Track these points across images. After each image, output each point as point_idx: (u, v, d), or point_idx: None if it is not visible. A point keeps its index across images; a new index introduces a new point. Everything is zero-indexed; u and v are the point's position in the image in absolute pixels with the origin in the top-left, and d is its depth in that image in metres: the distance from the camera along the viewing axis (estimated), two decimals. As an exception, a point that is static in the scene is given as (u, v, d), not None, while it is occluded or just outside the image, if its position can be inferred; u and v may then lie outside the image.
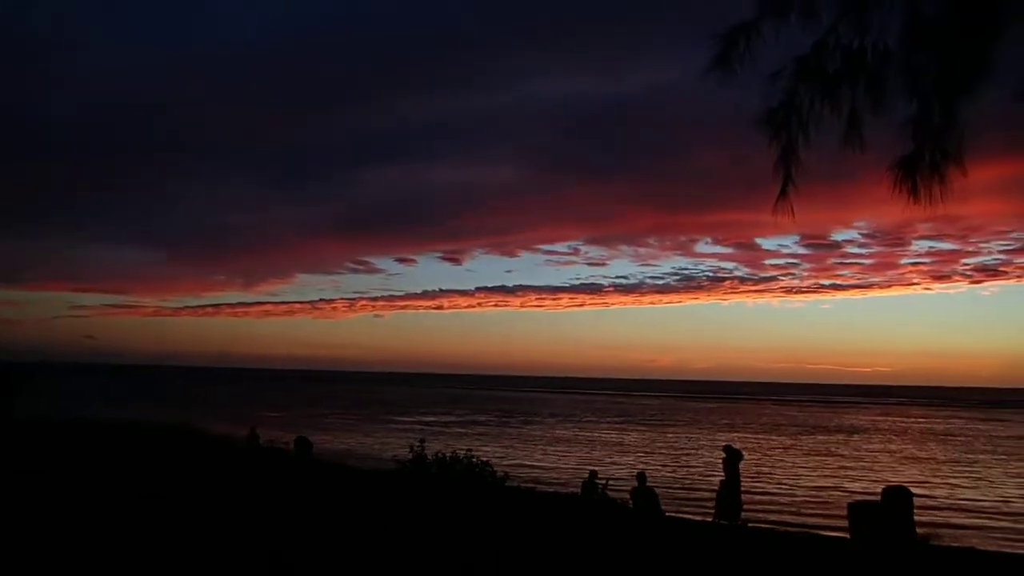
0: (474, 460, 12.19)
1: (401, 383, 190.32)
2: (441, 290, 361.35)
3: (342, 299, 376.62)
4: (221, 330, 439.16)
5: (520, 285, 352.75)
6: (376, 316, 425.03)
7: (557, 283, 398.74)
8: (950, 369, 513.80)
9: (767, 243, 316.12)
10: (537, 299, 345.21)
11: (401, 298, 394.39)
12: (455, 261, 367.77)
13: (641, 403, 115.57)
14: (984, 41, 7.47)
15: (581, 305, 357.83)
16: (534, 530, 9.81)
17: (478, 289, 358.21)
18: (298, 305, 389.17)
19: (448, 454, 12.29)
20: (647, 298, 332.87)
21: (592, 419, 72.09)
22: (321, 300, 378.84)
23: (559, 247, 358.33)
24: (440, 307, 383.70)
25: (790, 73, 8.35)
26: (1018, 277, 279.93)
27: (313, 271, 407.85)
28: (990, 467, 39.27)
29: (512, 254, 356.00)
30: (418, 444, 12.56)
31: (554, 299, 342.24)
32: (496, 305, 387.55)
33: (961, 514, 24.98)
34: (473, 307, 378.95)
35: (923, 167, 7.73)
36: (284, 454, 18.99)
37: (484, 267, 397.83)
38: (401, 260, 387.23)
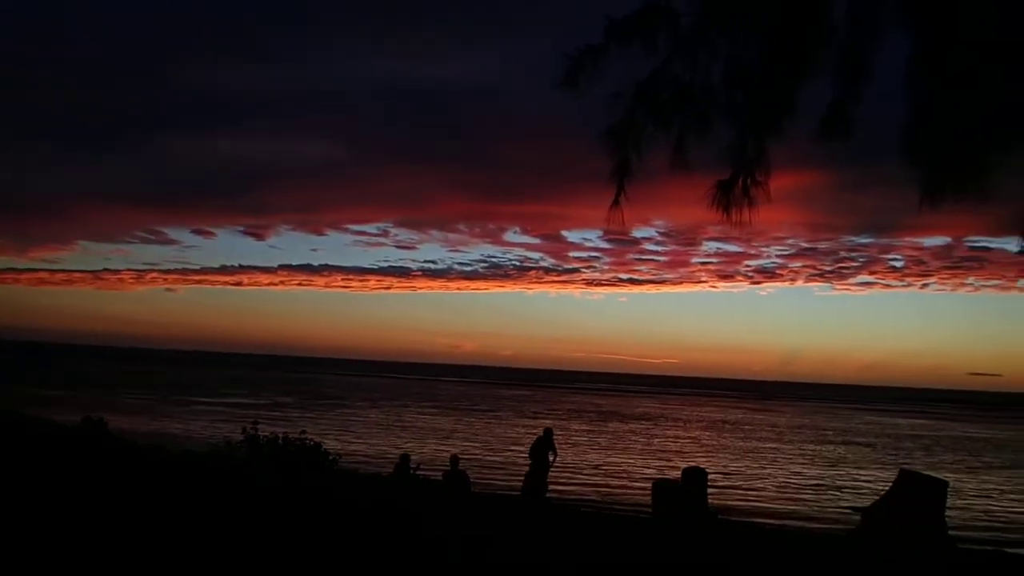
0: (307, 443, 12.40)
1: (196, 362, 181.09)
2: (241, 266, 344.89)
3: (129, 270, 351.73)
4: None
5: (326, 265, 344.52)
6: (168, 290, 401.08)
7: (365, 264, 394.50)
8: (730, 362, 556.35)
9: (572, 235, 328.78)
10: (344, 280, 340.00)
11: (197, 272, 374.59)
12: (258, 236, 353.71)
13: (448, 388, 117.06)
14: (790, 87, 8.70)
15: (389, 288, 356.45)
16: (356, 509, 10.17)
17: (281, 267, 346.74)
18: (78, 274, 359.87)
19: (280, 436, 12.41)
20: (455, 283, 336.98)
21: (401, 403, 72.51)
22: (106, 270, 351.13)
23: (368, 228, 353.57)
24: (240, 283, 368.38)
25: (630, 96, 9.25)
26: (791, 280, 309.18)
27: (97, 239, 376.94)
28: (781, 453, 43.70)
29: (319, 232, 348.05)
30: (251, 426, 12.59)
31: (361, 280, 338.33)
32: (300, 284, 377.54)
33: (755, 494, 27.91)
34: (275, 285, 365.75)
35: (736, 191, 8.90)
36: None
37: (289, 244, 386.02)
38: (198, 232, 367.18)
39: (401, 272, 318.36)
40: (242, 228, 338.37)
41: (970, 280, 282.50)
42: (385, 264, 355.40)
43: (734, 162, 8.98)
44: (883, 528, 12.46)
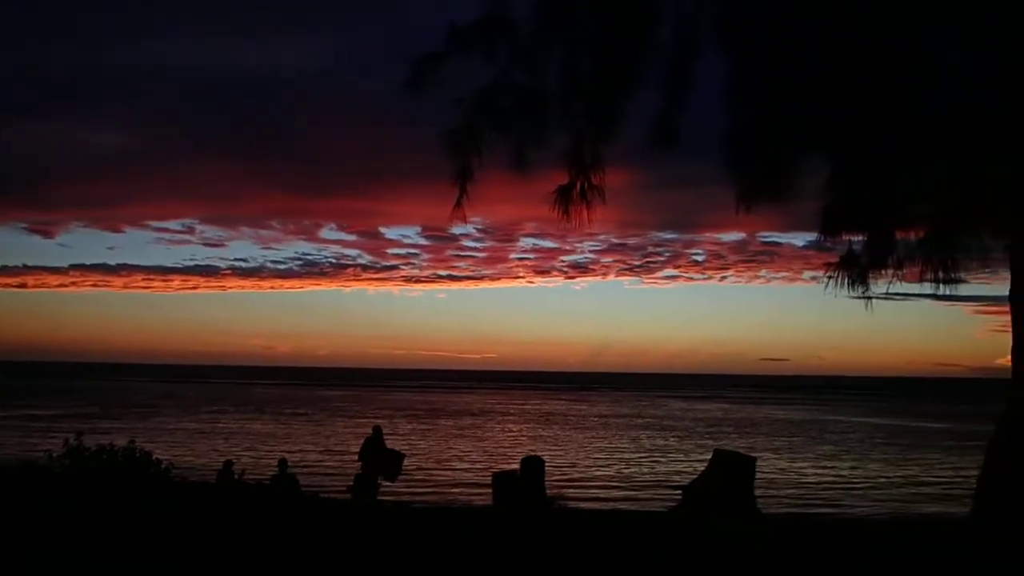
0: (136, 453, 11.88)
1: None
2: (26, 266, 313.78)
3: None
4: None
5: (124, 264, 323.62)
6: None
7: (168, 264, 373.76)
8: (547, 356, 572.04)
9: (390, 232, 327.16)
10: (145, 280, 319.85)
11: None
12: (45, 234, 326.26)
13: (265, 391, 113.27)
14: (621, 97, 9.38)
15: (195, 288, 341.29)
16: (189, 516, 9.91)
17: (73, 267, 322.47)
18: None
19: (107, 447, 11.81)
20: (267, 282, 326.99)
21: (218, 408, 69.56)
22: None
23: (172, 224, 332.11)
24: (24, 285, 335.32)
25: (471, 102, 9.63)
26: (603, 274, 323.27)
27: None
28: (608, 441, 46.20)
29: (116, 229, 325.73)
30: (74, 437, 11.89)
31: (164, 280, 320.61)
32: (95, 285, 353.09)
33: (587, 480, 29.52)
34: (66, 286, 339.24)
35: (575, 194, 9.47)
36: None
37: (81, 242, 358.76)
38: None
39: (209, 271, 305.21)
40: (25, 225, 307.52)
41: (762, 272, 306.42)
42: (191, 263, 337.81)
43: (571, 167, 9.54)
44: (700, 502, 13.59)
